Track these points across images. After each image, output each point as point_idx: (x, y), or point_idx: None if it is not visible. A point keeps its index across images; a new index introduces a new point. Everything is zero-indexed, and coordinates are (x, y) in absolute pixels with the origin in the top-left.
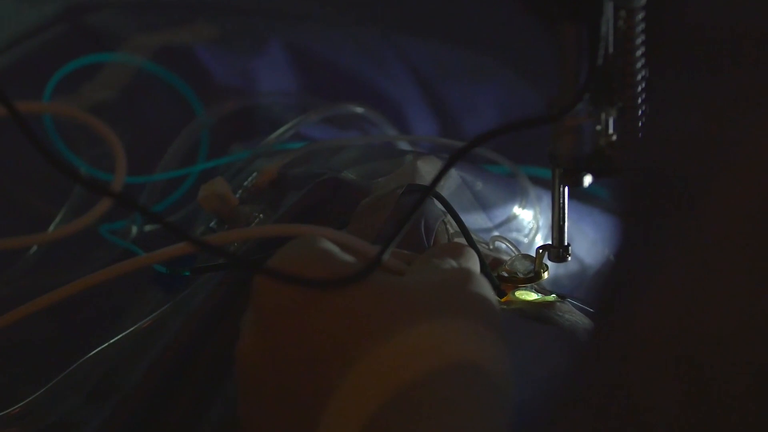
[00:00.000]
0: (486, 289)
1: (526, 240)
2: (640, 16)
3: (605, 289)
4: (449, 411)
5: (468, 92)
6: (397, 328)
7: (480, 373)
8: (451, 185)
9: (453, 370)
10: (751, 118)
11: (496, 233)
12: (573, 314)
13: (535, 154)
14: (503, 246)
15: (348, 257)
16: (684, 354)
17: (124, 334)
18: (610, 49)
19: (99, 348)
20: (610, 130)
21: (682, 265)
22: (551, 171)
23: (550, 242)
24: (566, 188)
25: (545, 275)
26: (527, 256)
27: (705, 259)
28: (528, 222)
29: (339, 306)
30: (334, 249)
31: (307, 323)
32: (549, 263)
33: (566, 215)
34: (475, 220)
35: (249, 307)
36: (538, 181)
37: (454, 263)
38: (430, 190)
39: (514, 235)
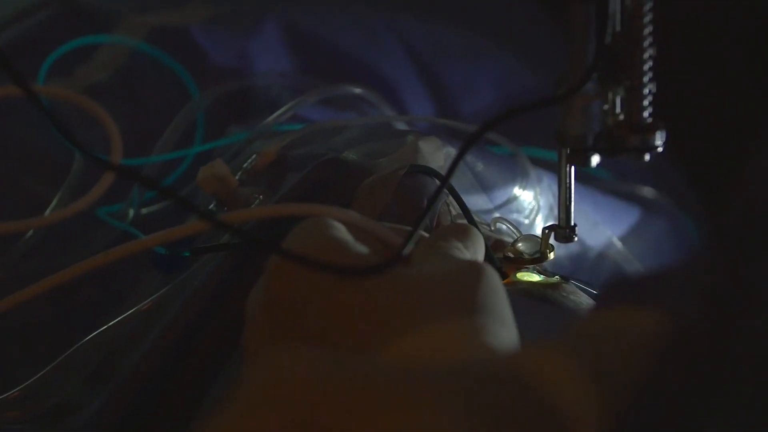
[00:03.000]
0: (498, 283)
1: (526, 221)
2: None
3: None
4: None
5: (465, 72)
6: (413, 325)
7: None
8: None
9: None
10: None
11: (497, 214)
12: (577, 295)
13: (536, 135)
14: (504, 227)
15: (359, 244)
16: None
17: (123, 316)
18: (618, 28)
19: (98, 330)
20: (618, 110)
21: None
22: (558, 151)
23: (552, 223)
24: (573, 168)
25: (551, 256)
26: (532, 237)
27: None
28: (528, 203)
29: (357, 296)
30: (346, 233)
31: (325, 312)
32: (554, 243)
33: (572, 195)
34: (475, 202)
35: (259, 290)
36: (537, 162)
37: (461, 247)
38: (446, 181)
39: (515, 216)
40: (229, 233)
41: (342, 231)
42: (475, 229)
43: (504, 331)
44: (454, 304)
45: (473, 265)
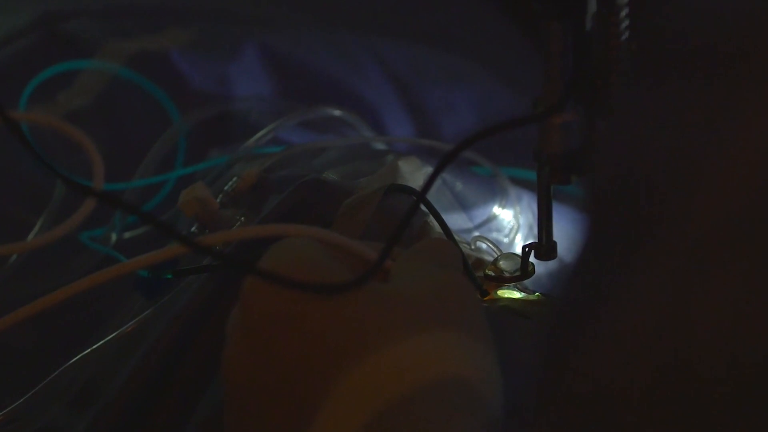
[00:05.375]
0: (475, 298)
1: (506, 240)
2: (624, 12)
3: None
4: (438, 425)
5: (444, 93)
6: (389, 339)
7: (471, 387)
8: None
9: (444, 384)
10: (722, 127)
11: (476, 233)
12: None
13: (515, 155)
14: (484, 246)
15: (335, 262)
16: (664, 347)
17: (106, 339)
18: (595, 46)
19: (81, 354)
20: (595, 127)
21: (658, 267)
22: (537, 170)
23: (532, 241)
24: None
25: (532, 273)
26: (512, 255)
27: (681, 260)
28: (508, 222)
29: (332, 313)
30: (321, 252)
31: (300, 329)
32: (534, 261)
33: (552, 213)
34: (455, 221)
35: (237, 310)
36: (517, 182)
37: (439, 262)
38: (422, 196)
39: (495, 234)
40: (208, 255)
41: (317, 249)
42: (453, 244)
43: (480, 345)
44: (430, 318)
45: (450, 280)
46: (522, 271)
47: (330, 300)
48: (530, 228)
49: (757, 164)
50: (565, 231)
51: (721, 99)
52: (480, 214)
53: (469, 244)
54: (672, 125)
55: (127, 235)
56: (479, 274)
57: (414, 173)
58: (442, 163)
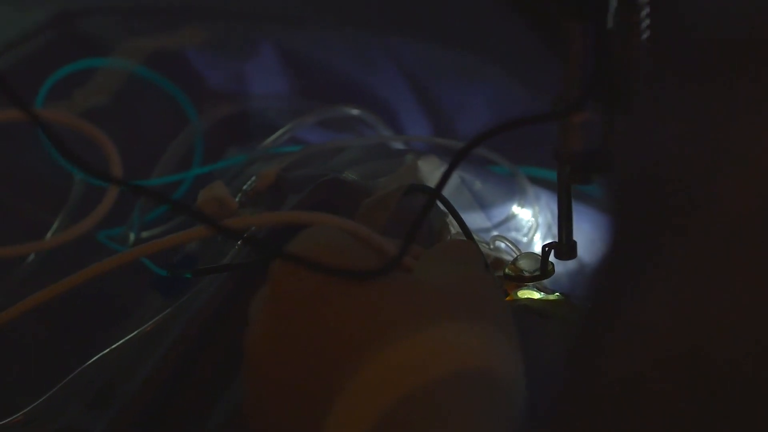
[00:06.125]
0: (499, 293)
1: (525, 239)
2: (645, 11)
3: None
4: (460, 416)
5: (460, 92)
6: (413, 328)
7: (494, 379)
8: (450, 185)
9: (467, 375)
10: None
11: (495, 233)
12: (578, 310)
13: (534, 155)
14: (503, 245)
15: (361, 249)
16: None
17: (125, 339)
18: (615, 45)
19: (100, 354)
20: (613, 128)
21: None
22: (557, 169)
23: (551, 240)
24: (571, 186)
25: (552, 273)
26: (532, 255)
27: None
28: (527, 221)
29: (358, 299)
30: (348, 239)
31: (325, 314)
32: (554, 261)
33: (572, 213)
34: (474, 220)
35: (264, 293)
36: (535, 181)
37: (462, 261)
38: (437, 193)
39: (513, 234)
40: (233, 244)
41: (345, 237)
42: (474, 245)
43: (504, 338)
44: (455, 309)
45: (474, 275)
46: (542, 271)
47: (357, 286)
48: (549, 227)
49: None
50: (585, 231)
51: (742, 96)
52: (499, 214)
53: (488, 243)
54: (693, 124)
55: (144, 234)
56: (498, 273)
57: (433, 172)
58: (458, 157)
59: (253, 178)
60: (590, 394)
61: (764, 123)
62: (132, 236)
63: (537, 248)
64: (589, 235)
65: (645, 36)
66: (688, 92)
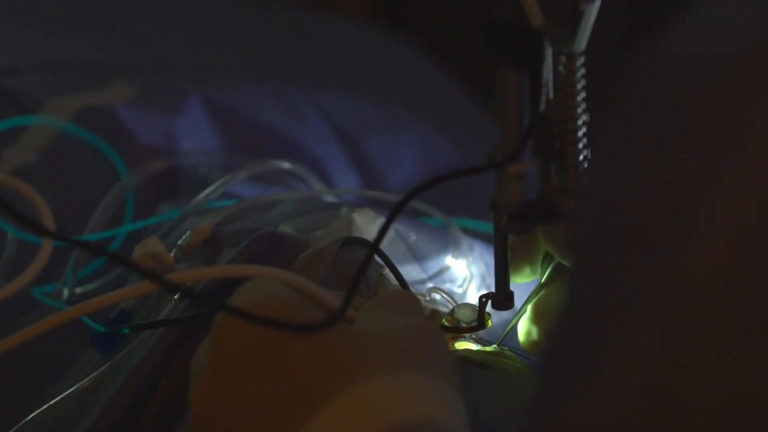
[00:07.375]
0: (441, 341)
1: (460, 290)
2: (581, 61)
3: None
4: None
5: (389, 145)
6: (360, 379)
7: (440, 430)
8: (386, 237)
9: (414, 427)
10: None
11: (431, 284)
12: (516, 362)
13: (466, 206)
14: (438, 297)
15: (303, 301)
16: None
17: (63, 395)
18: (551, 95)
19: (39, 410)
20: (552, 176)
21: (648, 321)
22: (494, 219)
23: (488, 291)
24: (508, 236)
25: (489, 323)
26: (469, 305)
27: (673, 313)
28: (461, 272)
29: (303, 352)
30: (291, 292)
31: (271, 367)
32: (490, 311)
33: (508, 263)
34: (409, 272)
35: (206, 347)
36: (468, 233)
37: (402, 312)
38: (375, 246)
39: (448, 285)
40: (170, 299)
41: (285, 290)
42: (412, 294)
43: (448, 387)
44: (400, 359)
45: (416, 325)
46: (479, 322)
47: (302, 338)
48: (483, 278)
49: (750, 207)
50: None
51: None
52: (434, 265)
53: (424, 295)
54: (656, 168)
55: (78, 290)
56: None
57: (369, 225)
58: (396, 209)
59: (188, 232)
60: None
61: (736, 167)
62: (66, 292)
63: (472, 299)
64: (525, 285)
65: (580, 85)
66: (654, 137)
